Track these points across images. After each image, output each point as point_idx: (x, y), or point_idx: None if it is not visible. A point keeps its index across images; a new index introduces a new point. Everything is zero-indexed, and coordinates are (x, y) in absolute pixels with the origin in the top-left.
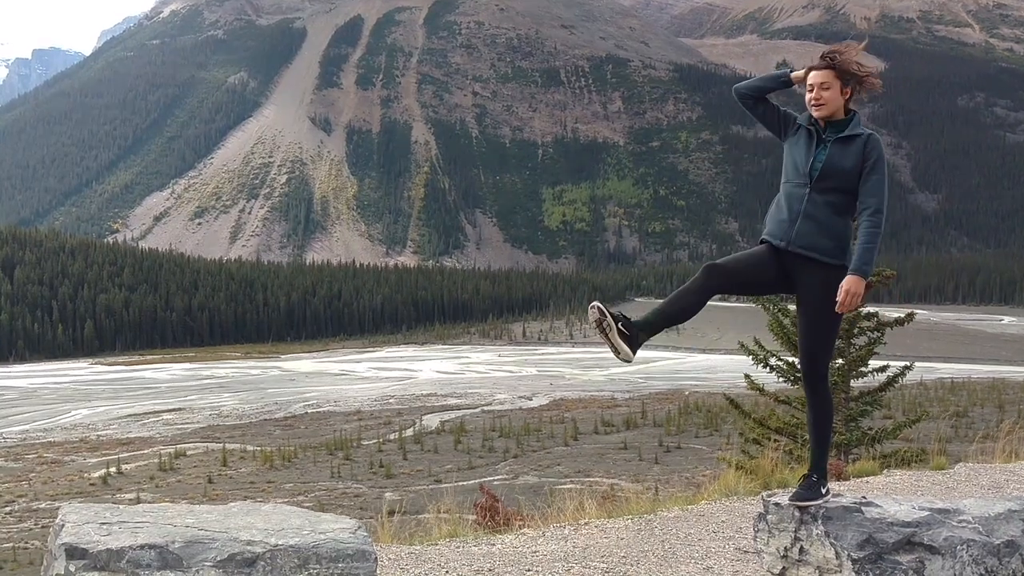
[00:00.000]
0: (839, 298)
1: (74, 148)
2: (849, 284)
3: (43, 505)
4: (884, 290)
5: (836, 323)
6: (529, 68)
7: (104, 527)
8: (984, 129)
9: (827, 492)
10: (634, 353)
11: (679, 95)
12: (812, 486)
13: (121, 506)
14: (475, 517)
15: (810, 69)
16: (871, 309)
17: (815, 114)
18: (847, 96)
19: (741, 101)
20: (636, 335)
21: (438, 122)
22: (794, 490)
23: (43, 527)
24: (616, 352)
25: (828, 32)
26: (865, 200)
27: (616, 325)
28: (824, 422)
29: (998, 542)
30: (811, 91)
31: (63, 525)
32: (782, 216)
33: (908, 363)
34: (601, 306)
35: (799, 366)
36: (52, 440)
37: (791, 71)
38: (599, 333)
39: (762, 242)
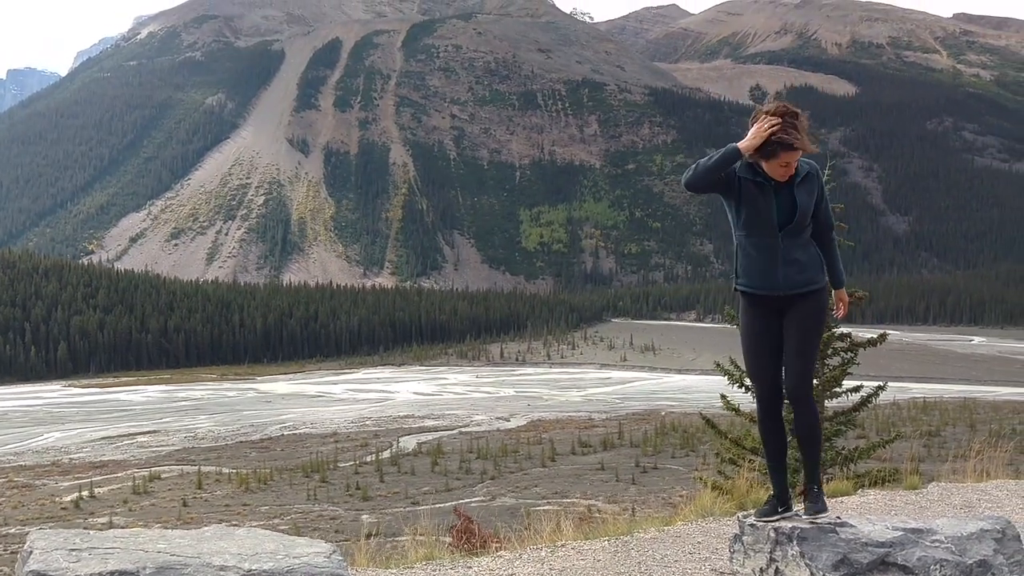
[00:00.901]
0: (841, 311)
1: (49, 168)
2: (841, 295)
3: (12, 530)
4: (857, 311)
5: (817, 341)
6: (506, 91)
7: (73, 553)
8: (952, 153)
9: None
10: (824, 508)
11: (654, 119)
12: (818, 497)
13: (91, 532)
14: (451, 540)
15: (781, 150)
16: (844, 330)
17: (781, 179)
18: None
19: (697, 192)
20: (815, 497)
21: (416, 144)
22: (806, 505)
23: (12, 553)
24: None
25: (800, 57)
26: (822, 229)
27: (791, 511)
28: (818, 434)
29: (971, 562)
30: (778, 170)
31: (31, 552)
32: (760, 268)
33: (881, 383)
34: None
35: (787, 387)
36: (23, 464)
37: (739, 145)
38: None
39: (743, 293)
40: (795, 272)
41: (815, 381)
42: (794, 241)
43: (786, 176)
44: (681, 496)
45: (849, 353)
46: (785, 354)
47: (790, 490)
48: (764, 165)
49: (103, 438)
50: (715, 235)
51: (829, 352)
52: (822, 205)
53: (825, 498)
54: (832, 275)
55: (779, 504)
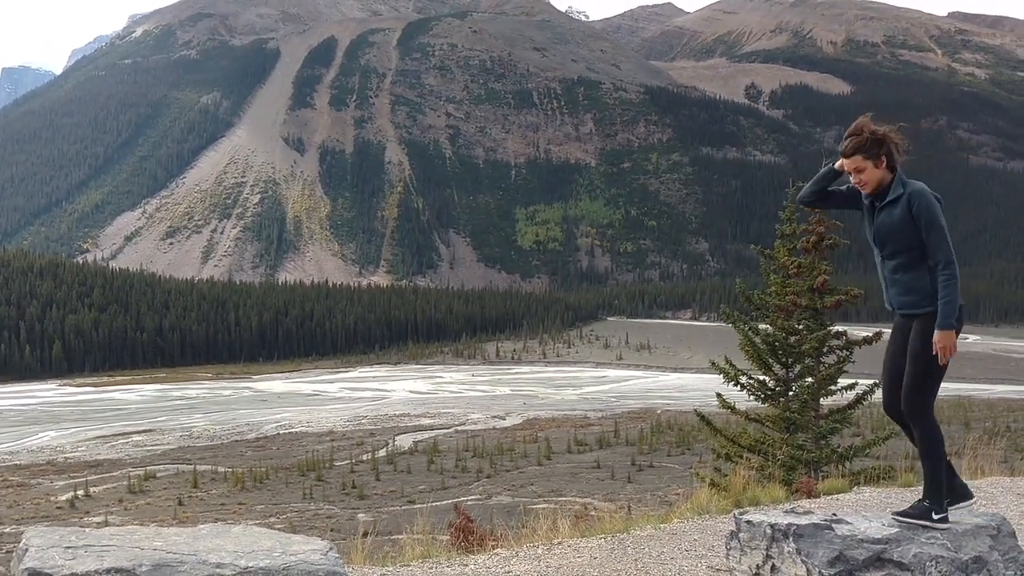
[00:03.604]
0: (940, 355)
1: (44, 167)
2: (937, 338)
3: (8, 529)
4: (852, 309)
5: (929, 368)
6: (502, 90)
7: (69, 551)
8: (947, 151)
9: (941, 520)
10: (971, 495)
11: (650, 117)
12: (918, 507)
13: (87, 529)
14: (448, 538)
15: (842, 156)
16: (840, 328)
17: (865, 192)
18: (882, 165)
19: (811, 207)
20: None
21: (412, 143)
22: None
23: (7, 552)
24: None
25: (795, 56)
26: (932, 259)
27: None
28: (926, 452)
29: (966, 558)
30: (852, 177)
31: (27, 549)
32: (882, 283)
33: (876, 381)
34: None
35: (902, 406)
36: (18, 463)
37: (834, 163)
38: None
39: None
40: (897, 292)
41: (809, 379)
42: (893, 263)
43: (862, 187)
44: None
45: (845, 351)
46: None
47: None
48: None
49: (98, 437)
50: (711, 234)
51: (825, 350)
52: (930, 238)
53: (933, 516)
54: (939, 314)
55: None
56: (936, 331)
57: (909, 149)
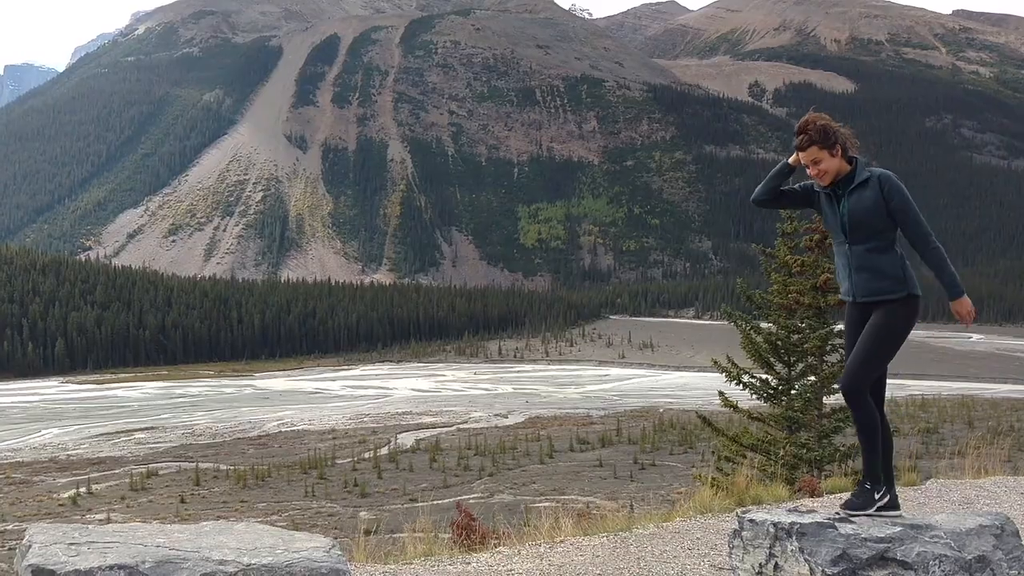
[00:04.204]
0: (965, 321)
1: (47, 165)
2: (954, 308)
3: (10, 527)
4: None
5: (884, 346)
6: (505, 88)
7: (72, 548)
8: (951, 150)
9: (882, 497)
10: (861, 506)
11: (653, 115)
12: (861, 494)
13: (90, 526)
14: (450, 536)
15: (797, 151)
16: (842, 327)
17: (823, 184)
18: (838, 153)
19: (764, 206)
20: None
21: (414, 140)
22: (846, 497)
23: (10, 549)
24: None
25: (799, 54)
26: (910, 240)
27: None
28: (864, 432)
29: (970, 557)
30: (809, 170)
31: (30, 546)
32: (842, 275)
33: None
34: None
35: (839, 382)
36: (21, 460)
37: (787, 160)
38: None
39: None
40: (866, 280)
41: (812, 377)
42: (862, 248)
43: (821, 179)
44: (679, 493)
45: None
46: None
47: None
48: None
49: (100, 434)
50: (713, 231)
51: (828, 349)
52: (905, 221)
53: (875, 496)
54: (944, 286)
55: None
56: (954, 301)
57: (858, 145)
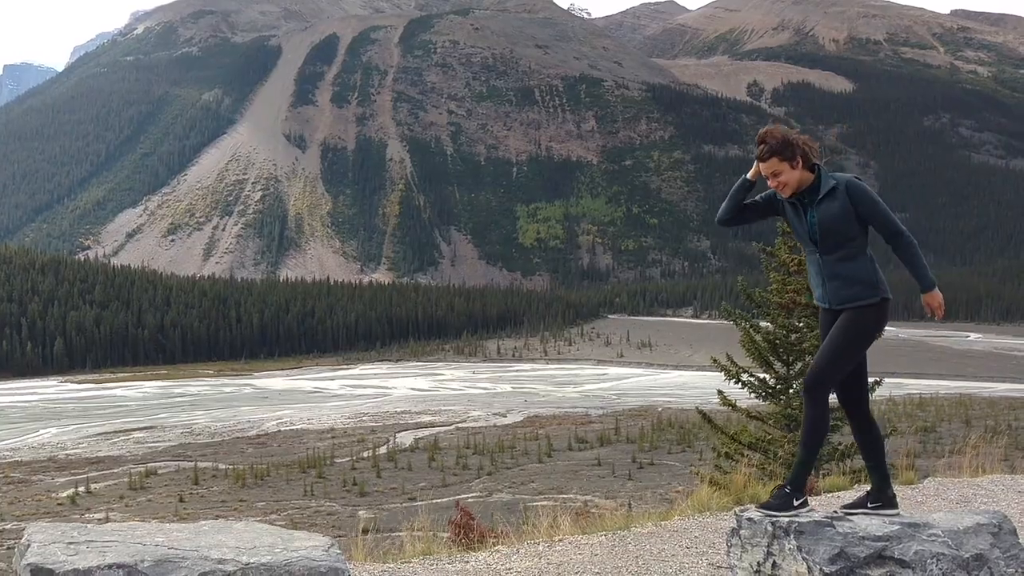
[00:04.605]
0: (936, 314)
1: (46, 164)
2: (925, 301)
3: (9, 526)
4: None
5: (852, 346)
6: (504, 87)
7: (71, 547)
8: (949, 149)
9: (801, 505)
10: (780, 507)
11: (652, 115)
12: (780, 496)
13: (89, 525)
14: (449, 534)
15: (758, 161)
16: None
17: (785, 196)
18: (799, 165)
19: (729, 225)
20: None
21: (413, 140)
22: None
23: (8, 548)
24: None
25: (797, 53)
26: (884, 237)
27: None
28: (813, 432)
29: (967, 555)
30: (770, 181)
31: (29, 545)
32: (815, 282)
33: (877, 379)
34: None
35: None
36: (19, 459)
37: (747, 175)
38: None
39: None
40: (838, 287)
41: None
42: (834, 256)
43: (782, 190)
44: (678, 492)
45: None
46: None
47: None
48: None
49: (99, 434)
50: (712, 231)
51: None
52: (875, 219)
53: (794, 503)
54: (916, 279)
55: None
56: (925, 294)
57: (822, 152)
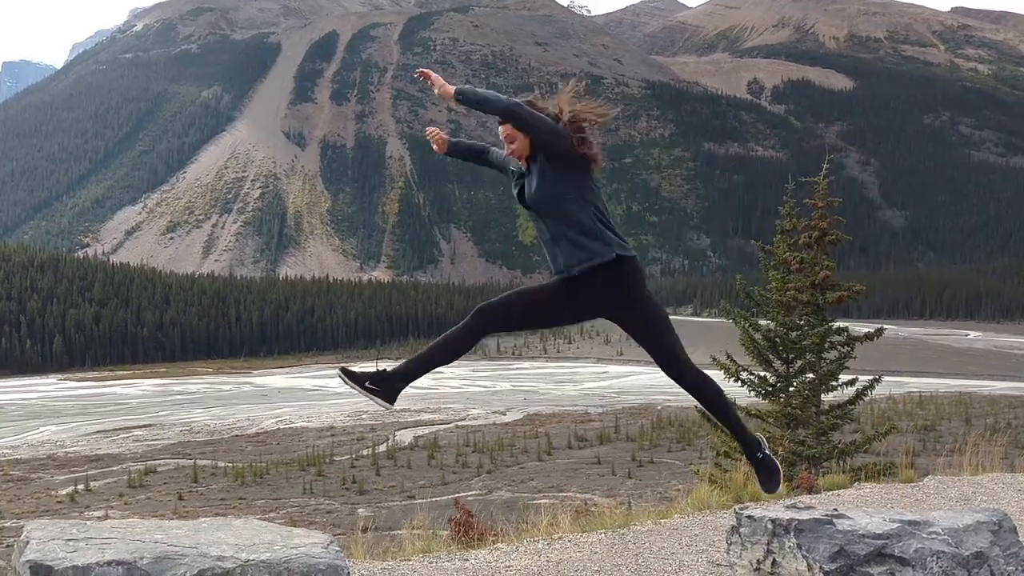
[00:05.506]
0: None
1: (44, 161)
2: (440, 81)
3: (8, 524)
4: (853, 305)
5: (662, 311)
6: (503, 84)
7: (70, 544)
8: (950, 147)
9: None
10: (392, 403)
11: (652, 112)
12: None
13: (88, 522)
14: (448, 532)
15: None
16: (841, 324)
17: (521, 164)
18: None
19: (456, 157)
20: (390, 387)
21: (413, 137)
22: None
23: (7, 546)
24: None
25: (798, 51)
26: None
27: (363, 385)
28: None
29: (967, 553)
30: (506, 148)
31: (28, 542)
32: (548, 252)
33: (876, 377)
34: (342, 375)
35: (666, 369)
36: (19, 457)
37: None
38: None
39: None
40: (568, 248)
41: (811, 375)
42: (550, 219)
43: (516, 156)
44: (678, 490)
45: (846, 347)
46: None
47: None
48: None
49: (98, 432)
50: (712, 229)
51: (826, 346)
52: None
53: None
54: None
55: None
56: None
57: (823, 151)
